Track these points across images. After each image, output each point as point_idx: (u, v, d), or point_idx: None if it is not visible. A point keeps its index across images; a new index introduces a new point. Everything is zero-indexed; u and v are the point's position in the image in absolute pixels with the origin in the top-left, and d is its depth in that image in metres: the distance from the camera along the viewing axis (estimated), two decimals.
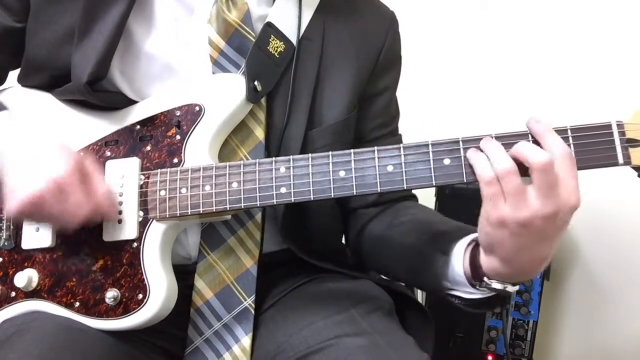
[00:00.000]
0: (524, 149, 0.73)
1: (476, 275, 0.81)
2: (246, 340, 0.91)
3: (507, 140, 0.76)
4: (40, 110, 0.95)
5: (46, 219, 0.84)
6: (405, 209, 1.03)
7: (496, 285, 0.79)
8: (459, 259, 0.83)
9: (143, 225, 0.86)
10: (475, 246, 0.82)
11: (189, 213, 0.85)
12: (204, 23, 0.92)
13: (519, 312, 1.45)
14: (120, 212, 0.87)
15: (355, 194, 0.80)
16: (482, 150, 0.76)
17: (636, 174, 0.78)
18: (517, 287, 0.80)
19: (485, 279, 0.79)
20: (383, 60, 1.03)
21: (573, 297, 1.72)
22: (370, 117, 1.05)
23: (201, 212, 0.85)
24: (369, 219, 1.04)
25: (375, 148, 0.80)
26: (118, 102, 0.93)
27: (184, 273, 0.91)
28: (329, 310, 0.91)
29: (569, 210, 0.72)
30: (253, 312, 0.92)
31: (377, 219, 1.03)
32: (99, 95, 0.91)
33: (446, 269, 0.85)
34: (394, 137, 1.09)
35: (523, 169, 0.73)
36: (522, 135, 0.76)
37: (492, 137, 0.77)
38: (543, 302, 1.46)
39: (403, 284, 1.05)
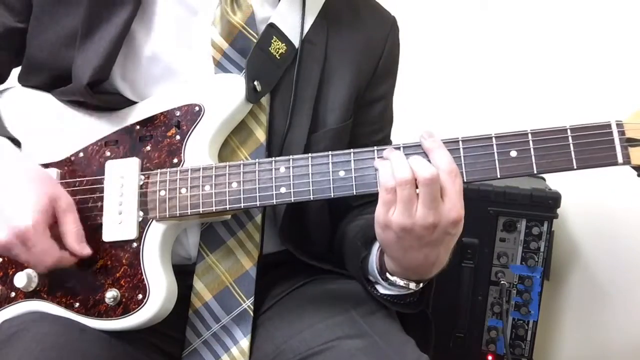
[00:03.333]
0: (413, 162, 0.76)
1: (382, 272, 0.86)
2: (245, 342, 0.91)
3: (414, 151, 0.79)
4: (40, 110, 0.95)
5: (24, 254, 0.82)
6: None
7: (400, 282, 0.85)
8: (374, 255, 0.88)
9: (143, 225, 0.86)
10: None
11: (189, 213, 0.85)
12: (207, 25, 0.92)
13: (519, 312, 1.45)
14: (120, 213, 0.87)
15: (355, 193, 0.80)
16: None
17: (636, 173, 0.78)
18: (420, 286, 0.85)
19: (387, 275, 0.85)
20: (382, 67, 1.04)
21: (573, 297, 1.72)
22: (367, 123, 1.06)
23: (201, 212, 0.85)
24: (346, 218, 1.05)
25: (375, 148, 0.80)
26: (118, 103, 0.93)
27: (184, 273, 0.91)
28: (329, 312, 0.91)
29: (450, 223, 0.75)
30: (252, 314, 0.91)
31: (350, 217, 1.04)
32: (99, 96, 0.91)
33: (366, 264, 0.90)
34: (385, 144, 1.09)
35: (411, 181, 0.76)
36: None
37: (400, 147, 0.80)
38: (543, 302, 1.46)
39: None
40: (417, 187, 0.75)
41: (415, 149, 0.79)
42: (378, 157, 0.80)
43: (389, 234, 0.78)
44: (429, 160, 0.77)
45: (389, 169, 0.77)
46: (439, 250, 0.79)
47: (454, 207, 0.75)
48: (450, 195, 0.75)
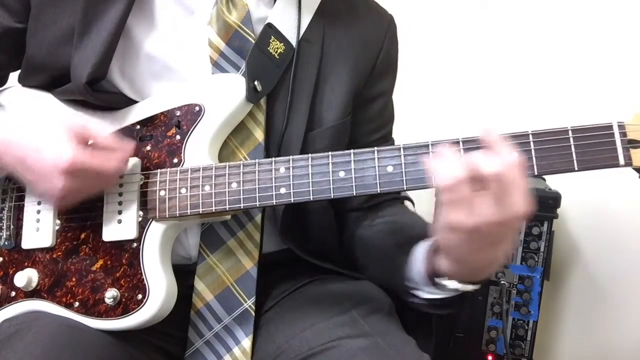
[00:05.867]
0: (478, 159, 0.73)
1: (434, 275, 0.84)
2: (246, 342, 0.91)
3: (471, 145, 0.77)
4: (40, 110, 0.95)
5: (89, 179, 0.83)
6: (389, 209, 1.04)
7: (455, 285, 0.82)
8: (420, 260, 0.86)
9: (143, 225, 0.86)
10: (437, 247, 0.84)
11: (189, 213, 0.85)
12: (203, 25, 0.92)
13: (519, 312, 1.45)
14: (120, 212, 0.87)
15: (355, 194, 0.80)
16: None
17: (638, 175, 0.78)
18: (476, 287, 0.83)
19: (439, 279, 0.82)
20: (380, 65, 1.04)
21: (573, 297, 1.72)
22: (366, 121, 1.05)
23: (200, 212, 0.84)
24: (358, 222, 1.04)
25: (375, 148, 0.80)
26: (118, 102, 0.93)
27: (184, 273, 0.91)
28: (330, 312, 0.91)
29: (517, 218, 0.73)
30: (253, 313, 0.92)
31: (363, 221, 1.04)
32: (99, 95, 0.91)
33: (407, 269, 0.88)
34: (386, 142, 1.10)
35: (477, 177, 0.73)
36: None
37: (460, 141, 0.77)
38: (543, 302, 1.45)
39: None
40: (479, 184, 0.72)
41: (470, 144, 0.77)
42: (431, 155, 0.77)
43: (455, 236, 0.75)
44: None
45: (444, 167, 0.74)
46: (503, 248, 0.77)
47: (520, 200, 0.72)
48: (517, 189, 0.72)
